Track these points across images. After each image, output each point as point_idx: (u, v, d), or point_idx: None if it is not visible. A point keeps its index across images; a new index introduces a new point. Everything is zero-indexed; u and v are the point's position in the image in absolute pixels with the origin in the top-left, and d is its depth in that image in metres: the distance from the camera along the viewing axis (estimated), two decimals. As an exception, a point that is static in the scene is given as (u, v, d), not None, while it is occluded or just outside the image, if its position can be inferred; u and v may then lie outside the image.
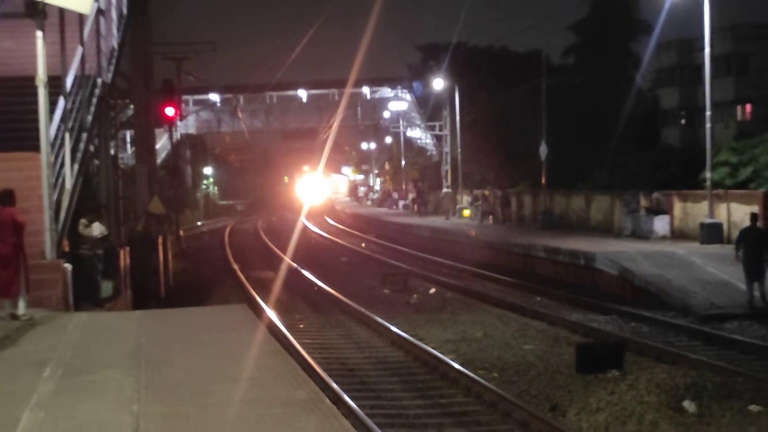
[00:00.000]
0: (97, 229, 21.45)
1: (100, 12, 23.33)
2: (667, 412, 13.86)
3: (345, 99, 73.92)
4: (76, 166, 20.66)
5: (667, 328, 22.12)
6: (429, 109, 78.19)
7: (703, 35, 36.61)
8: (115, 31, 26.30)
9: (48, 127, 18.36)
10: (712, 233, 33.72)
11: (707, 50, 36.78)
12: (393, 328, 21.74)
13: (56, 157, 19.16)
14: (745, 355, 18.90)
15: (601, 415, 14.25)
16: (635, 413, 13.98)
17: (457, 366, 17.39)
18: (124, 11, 28.03)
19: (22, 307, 15.63)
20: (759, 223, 26.23)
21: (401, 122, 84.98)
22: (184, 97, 58.69)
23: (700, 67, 40.95)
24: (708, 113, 36.57)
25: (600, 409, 14.52)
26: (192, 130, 79.51)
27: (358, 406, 14.08)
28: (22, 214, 16.73)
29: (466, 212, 62.19)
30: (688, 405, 14.22)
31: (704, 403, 14.31)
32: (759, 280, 23.96)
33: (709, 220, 34.38)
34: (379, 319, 23.03)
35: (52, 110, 18.88)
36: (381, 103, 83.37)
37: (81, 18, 20.77)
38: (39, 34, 18.04)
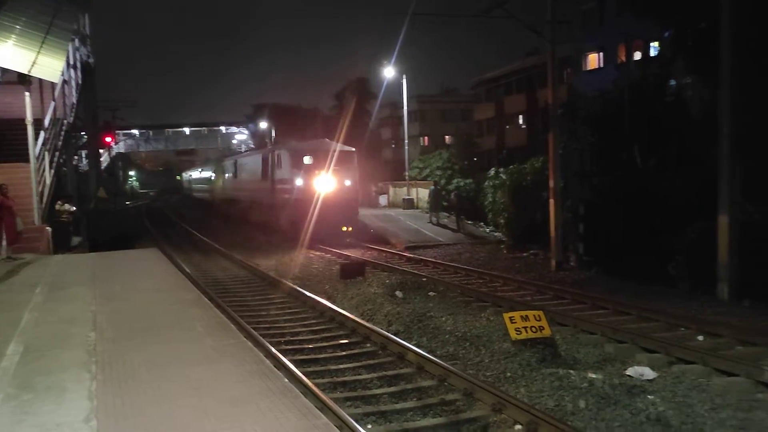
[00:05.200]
0: (68, 207, 20.57)
1: (65, 81, 22.18)
2: (387, 297, 14.24)
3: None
4: (52, 171, 19.69)
5: (387, 254, 22.68)
6: (258, 138, 77.94)
7: (403, 100, 37.56)
8: (74, 92, 24.88)
9: (34, 148, 17.69)
10: (408, 203, 34.95)
11: (405, 108, 37.87)
12: (239, 257, 21.37)
13: (40, 166, 18.09)
14: (426, 267, 19.59)
15: (354, 300, 14.49)
16: (371, 298, 14.29)
17: (275, 277, 17.32)
18: (80, 81, 26.59)
19: (4, 250, 15.37)
20: (436, 187, 31.02)
21: (243, 146, 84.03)
22: (117, 131, 55.49)
23: (401, 117, 41.85)
24: (406, 141, 37.69)
25: (353, 297, 14.75)
26: (122, 150, 76.26)
27: (222, 301, 13.83)
28: (20, 199, 16.10)
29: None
30: (398, 293, 14.65)
31: (406, 291, 14.78)
32: (436, 212, 29.55)
33: (407, 197, 35.54)
34: (235, 254, 22.56)
35: (36, 138, 17.89)
36: (231, 135, 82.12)
37: (53, 84, 19.62)
38: (27, 94, 17.13)
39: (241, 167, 35.40)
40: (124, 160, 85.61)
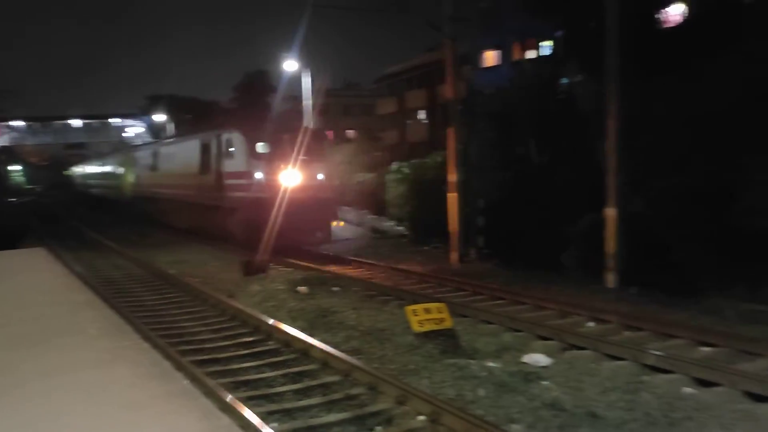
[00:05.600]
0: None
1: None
2: (290, 293, 14.19)
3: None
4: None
5: (289, 249, 22.32)
6: (154, 130, 75.51)
7: (308, 93, 37.26)
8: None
9: None
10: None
11: (308, 102, 37.52)
12: (135, 255, 20.56)
13: None
14: (329, 261, 19.55)
15: (257, 297, 14.31)
16: (274, 294, 14.19)
17: (175, 274, 16.83)
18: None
19: None
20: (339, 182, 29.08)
21: (139, 139, 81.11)
22: (-1, 123, 52.36)
23: (302, 111, 41.56)
24: (309, 135, 37.32)
25: (256, 294, 14.57)
26: (6, 143, 71.86)
27: (117, 303, 13.29)
28: None
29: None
30: (301, 288, 14.61)
31: (310, 287, 14.75)
32: (338, 207, 26.56)
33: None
34: (129, 251, 21.71)
35: None
36: (125, 128, 79.05)
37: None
38: None
39: (166, 158, 28.82)
40: (7, 154, 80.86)
